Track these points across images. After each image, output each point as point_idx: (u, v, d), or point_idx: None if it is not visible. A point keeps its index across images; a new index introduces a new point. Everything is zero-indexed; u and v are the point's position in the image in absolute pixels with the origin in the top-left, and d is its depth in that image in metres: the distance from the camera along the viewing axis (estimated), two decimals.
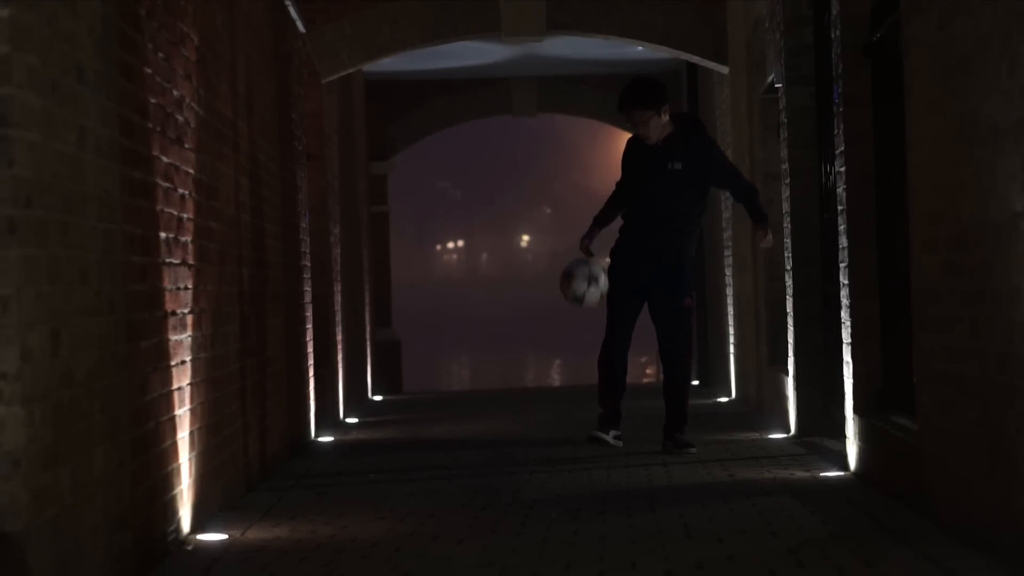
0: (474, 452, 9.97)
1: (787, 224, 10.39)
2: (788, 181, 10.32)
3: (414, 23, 13.82)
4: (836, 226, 8.77)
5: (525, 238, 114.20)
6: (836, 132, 8.54)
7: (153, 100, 6.14)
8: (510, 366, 41.43)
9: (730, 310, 14.04)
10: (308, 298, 11.56)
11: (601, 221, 9.89)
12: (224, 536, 6.64)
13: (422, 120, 21.34)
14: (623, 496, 7.54)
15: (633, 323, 9.84)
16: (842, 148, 8.33)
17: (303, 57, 12.30)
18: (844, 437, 8.36)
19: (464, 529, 6.58)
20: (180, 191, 6.64)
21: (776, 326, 11.39)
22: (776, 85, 10.61)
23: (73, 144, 4.83)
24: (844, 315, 8.36)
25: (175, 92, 6.61)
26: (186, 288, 6.69)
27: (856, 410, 8.05)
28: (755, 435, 10.37)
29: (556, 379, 33.20)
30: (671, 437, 9.61)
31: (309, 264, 11.67)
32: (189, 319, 6.74)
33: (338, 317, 13.59)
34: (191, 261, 6.82)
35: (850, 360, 8.20)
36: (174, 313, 6.42)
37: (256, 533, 6.71)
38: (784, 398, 10.60)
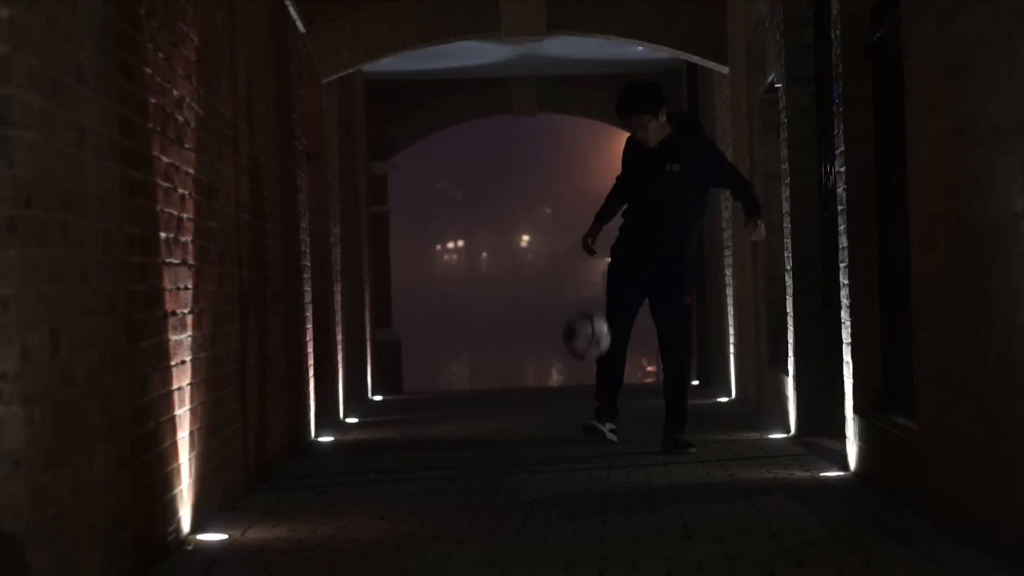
0: (474, 452, 9.97)
1: (787, 224, 10.39)
2: (788, 181, 10.32)
3: (414, 23, 13.82)
4: (836, 226, 8.77)
5: (525, 238, 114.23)
6: (836, 132, 8.54)
7: (153, 100, 6.14)
8: (510, 366, 41.44)
9: (730, 310, 14.04)
10: (308, 298, 11.56)
11: (603, 217, 10.00)
12: (224, 536, 6.64)
13: (422, 120, 21.34)
14: (623, 496, 7.54)
15: (632, 321, 9.87)
16: (842, 148, 8.33)
17: (303, 57, 12.30)
18: (844, 437, 8.36)
19: (464, 529, 6.58)
20: (180, 191, 6.64)
21: (776, 326, 11.39)
22: (776, 85, 10.61)
23: (73, 144, 4.83)
24: (844, 315, 8.36)
25: (175, 92, 6.61)
26: (186, 288, 6.69)
27: (856, 410, 8.05)
28: (755, 435, 10.37)
29: (556, 379, 33.20)
30: (671, 437, 9.62)
31: (309, 264, 11.67)
32: (189, 319, 6.74)
33: (338, 317, 13.59)
34: (191, 261, 6.82)
35: (850, 360, 8.20)
36: (174, 313, 6.42)
37: (256, 533, 6.71)
38: (784, 398, 10.60)
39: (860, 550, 5.73)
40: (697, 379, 16.77)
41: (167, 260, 6.32)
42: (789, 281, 10.39)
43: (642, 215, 9.78)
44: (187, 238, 6.76)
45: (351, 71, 14.32)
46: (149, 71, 6.09)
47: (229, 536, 6.64)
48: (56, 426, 4.55)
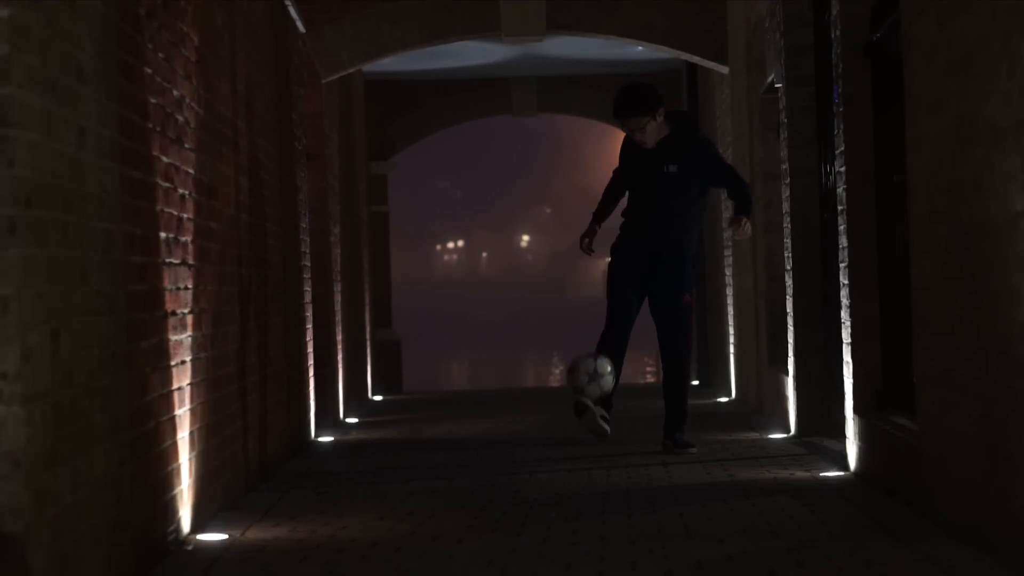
0: (474, 452, 9.97)
1: (787, 224, 10.39)
2: (788, 181, 10.32)
3: (414, 23, 13.82)
4: (836, 226, 8.77)
5: (525, 238, 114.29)
6: (836, 132, 8.54)
7: (153, 100, 6.14)
8: (510, 366, 41.44)
9: (730, 310, 14.04)
10: (308, 298, 11.56)
11: (600, 216, 10.00)
12: (224, 536, 6.64)
13: (422, 120, 21.34)
14: (623, 496, 7.54)
15: (632, 319, 9.87)
16: (842, 148, 8.33)
17: (303, 57, 12.30)
18: (844, 437, 8.36)
19: (464, 529, 6.58)
20: (180, 191, 6.65)
21: (776, 326, 11.39)
22: (776, 85, 10.61)
23: (73, 144, 4.83)
24: (844, 315, 8.36)
25: (175, 92, 6.61)
26: (186, 288, 6.69)
27: (856, 410, 8.05)
28: (755, 435, 10.37)
29: (556, 379, 33.20)
30: (671, 437, 9.62)
31: (309, 264, 11.67)
32: (189, 319, 6.74)
33: (338, 317, 13.59)
34: (191, 261, 6.82)
35: (850, 360, 8.20)
36: (174, 313, 6.42)
37: (256, 533, 6.71)
38: (784, 398, 10.60)
39: (860, 550, 5.73)
40: (697, 379, 16.77)
41: (167, 260, 6.32)
42: (789, 281, 10.39)
43: (642, 214, 9.78)
44: (187, 238, 6.76)
45: (351, 71, 14.32)
46: (149, 71, 6.09)
47: (229, 536, 6.64)
48: (56, 426, 4.55)
